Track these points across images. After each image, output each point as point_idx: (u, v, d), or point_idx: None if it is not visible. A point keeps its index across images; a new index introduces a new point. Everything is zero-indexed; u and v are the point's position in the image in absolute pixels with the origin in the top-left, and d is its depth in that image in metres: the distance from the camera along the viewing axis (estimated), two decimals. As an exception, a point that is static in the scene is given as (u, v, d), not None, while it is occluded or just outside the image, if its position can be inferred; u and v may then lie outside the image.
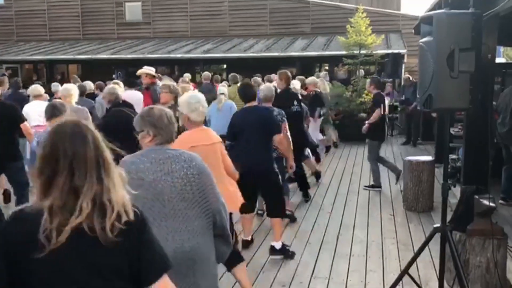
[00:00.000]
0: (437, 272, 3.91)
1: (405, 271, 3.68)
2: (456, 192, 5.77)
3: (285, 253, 4.88)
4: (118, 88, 5.52)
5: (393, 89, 13.97)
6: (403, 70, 15.38)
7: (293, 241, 5.33)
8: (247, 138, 4.75)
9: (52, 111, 4.25)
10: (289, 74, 6.99)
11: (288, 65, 17.48)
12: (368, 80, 8.95)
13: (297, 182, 7.03)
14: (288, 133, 5.59)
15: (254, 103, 5.01)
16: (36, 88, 7.11)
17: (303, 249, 5.09)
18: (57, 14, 21.57)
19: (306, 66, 16.80)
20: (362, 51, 12.77)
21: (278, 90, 6.74)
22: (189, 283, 2.42)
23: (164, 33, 20.64)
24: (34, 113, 6.23)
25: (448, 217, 3.67)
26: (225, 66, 19.57)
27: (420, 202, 6.36)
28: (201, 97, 3.61)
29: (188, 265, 2.40)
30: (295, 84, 7.73)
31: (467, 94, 3.17)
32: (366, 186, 7.62)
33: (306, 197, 6.95)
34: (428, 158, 6.89)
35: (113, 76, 18.86)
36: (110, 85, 5.88)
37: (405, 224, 5.89)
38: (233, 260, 3.74)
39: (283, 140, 4.96)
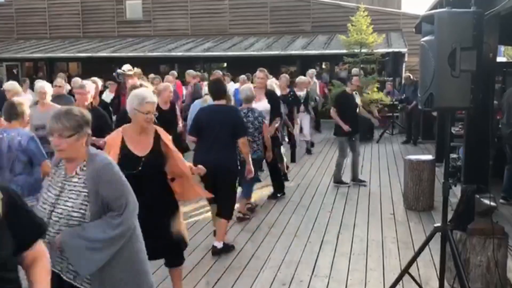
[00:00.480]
0: (438, 271, 3.90)
1: (405, 270, 3.68)
2: (456, 191, 5.78)
3: (227, 249, 4.96)
4: (91, 85, 5.58)
5: (393, 88, 13.96)
6: (403, 69, 15.37)
7: (293, 240, 5.33)
8: (212, 136, 4.74)
9: (10, 113, 4.30)
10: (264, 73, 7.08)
11: (288, 63, 17.53)
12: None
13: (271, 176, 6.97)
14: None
15: (223, 101, 4.99)
16: (13, 85, 7.05)
17: (303, 248, 5.09)
18: (57, 12, 21.55)
19: (307, 64, 16.75)
20: (363, 50, 12.77)
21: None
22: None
23: (164, 31, 20.61)
24: None
25: (449, 217, 3.66)
26: (225, 64, 19.54)
27: (420, 201, 6.36)
28: (145, 94, 3.57)
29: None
30: (272, 83, 7.96)
31: (468, 93, 3.16)
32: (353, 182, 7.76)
33: (279, 193, 6.91)
34: (429, 157, 6.89)
35: (113, 74, 18.82)
36: (84, 82, 5.93)
37: (406, 223, 5.89)
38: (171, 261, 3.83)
39: (246, 144, 4.95)
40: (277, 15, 19.55)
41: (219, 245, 4.91)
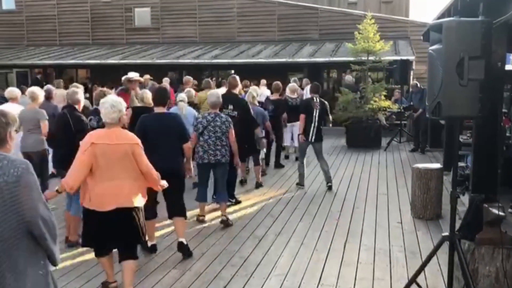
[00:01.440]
0: (445, 281, 3.88)
1: (413, 280, 3.65)
2: (464, 200, 5.74)
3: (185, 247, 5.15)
4: (78, 92, 5.77)
5: (401, 96, 13.93)
6: (411, 77, 15.34)
7: (300, 248, 5.32)
8: (157, 142, 4.94)
9: None
10: (236, 80, 7.39)
11: (296, 71, 17.56)
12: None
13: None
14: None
15: (163, 109, 5.26)
16: (12, 91, 7.34)
17: (310, 256, 5.07)
18: (67, 19, 21.78)
19: (314, 72, 16.79)
20: (370, 58, 12.77)
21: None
22: None
23: (172, 38, 20.75)
24: None
25: (457, 226, 3.64)
26: (233, 71, 19.58)
27: (428, 210, 6.32)
28: (113, 101, 3.98)
29: None
30: (252, 90, 8.46)
31: (476, 102, 3.16)
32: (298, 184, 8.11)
33: (231, 199, 7.02)
34: (437, 165, 6.85)
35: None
36: (69, 90, 6.14)
37: (413, 232, 5.86)
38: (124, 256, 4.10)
39: (189, 148, 5.31)
40: (284, 23, 19.62)
41: (185, 241, 5.14)
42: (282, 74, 16.04)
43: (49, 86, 8.55)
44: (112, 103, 3.96)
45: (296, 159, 9.98)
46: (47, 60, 19.16)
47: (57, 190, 3.90)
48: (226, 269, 4.75)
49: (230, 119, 6.15)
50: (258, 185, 8.09)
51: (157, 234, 5.62)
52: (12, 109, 6.45)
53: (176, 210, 5.15)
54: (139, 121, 5.15)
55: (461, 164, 7.39)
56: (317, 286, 4.38)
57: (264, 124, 8.31)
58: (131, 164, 3.93)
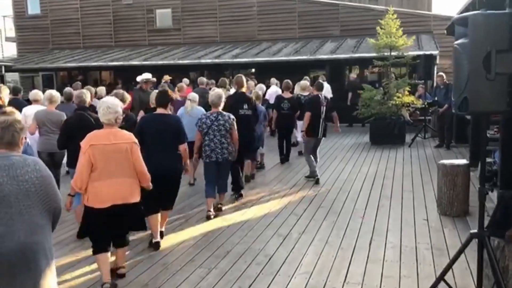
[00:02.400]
0: (474, 279, 3.81)
1: (441, 278, 3.60)
2: (492, 197, 5.62)
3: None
4: (86, 93, 6.02)
5: (425, 91, 13.72)
6: (435, 72, 15.09)
7: (324, 246, 5.30)
8: (153, 142, 5.17)
9: None
10: (242, 79, 7.62)
11: (317, 68, 17.48)
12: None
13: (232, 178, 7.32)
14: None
15: (164, 110, 5.39)
16: (36, 93, 7.61)
17: (335, 254, 5.05)
18: (90, 22, 22.15)
19: (336, 69, 16.69)
20: (393, 53, 12.61)
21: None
22: (27, 277, 2.58)
23: (193, 38, 20.89)
24: (31, 115, 6.74)
25: (485, 223, 3.57)
26: (253, 70, 19.64)
27: (455, 207, 6.22)
28: (110, 102, 4.22)
29: (25, 261, 2.55)
30: (258, 89, 8.44)
31: (504, 97, 3.09)
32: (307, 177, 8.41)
33: (237, 193, 7.28)
34: (463, 161, 6.73)
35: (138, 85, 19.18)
36: (79, 91, 6.41)
37: (440, 229, 5.77)
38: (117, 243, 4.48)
39: (186, 150, 5.40)
40: (305, 20, 19.54)
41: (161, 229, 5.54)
42: (303, 71, 15.97)
43: (69, 88, 8.79)
44: (108, 104, 4.19)
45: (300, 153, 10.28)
46: (71, 63, 19.52)
47: (69, 194, 4.26)
48: (251, 267, 4.77)
49: (232, 118, 6.31)
50: (249, 178, 8.34)
51: (181, 233, 5.70)
52: (35, 110, 6.78)
53: (166, 205, 5.51)
54: (138, 122, 5.59)
55: (488, 159, 7.23)
56: (343, 284, 4.36)
57: (267, 122, 8.97)
58: (128, 163, 4.18)
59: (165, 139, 5.23)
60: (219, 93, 6.47)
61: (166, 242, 5.43)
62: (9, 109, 2.87)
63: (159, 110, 5.41)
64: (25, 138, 2.93)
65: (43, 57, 21.26)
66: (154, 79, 9.75)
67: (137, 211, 4.38)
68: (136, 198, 4.31)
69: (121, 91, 6.24)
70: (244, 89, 7.65)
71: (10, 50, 26.40)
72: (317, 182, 8.14)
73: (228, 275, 4.59)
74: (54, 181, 2.76)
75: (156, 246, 5.26)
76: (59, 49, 22.40)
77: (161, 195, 5.17)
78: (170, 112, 5.54)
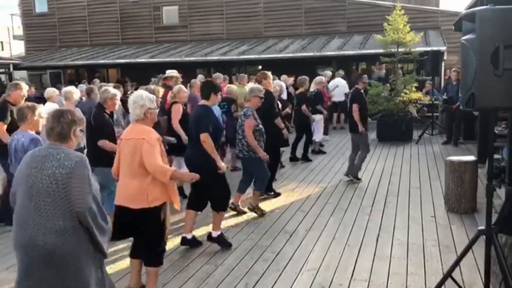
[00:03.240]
0: (482, 276, 3.80)
1: (448, 274, 3.59)
2: (500, 193, 5.59)
3: (222, 242, 5.20)
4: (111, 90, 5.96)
5: (432, 88, 13.63)
6: (443, 68, 14.99)
7: (331, 243, 5.30)
8: (189, 136, 5.27)
9: (17, 117, 4.82)
10: (267, 74, 7.48)
11: (324, 64, 17.43)
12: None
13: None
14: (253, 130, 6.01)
15: (204, 101, 5.18)
16: (50, 90, 7.67)
17: (342, 251, 5.05)
18: (97, 20, 22.23)
19: (343, 65, 16.62)
20: (400, 49, 12.54)
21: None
22: (40, 277, 2.54)
23: (200, 36, 20.91)
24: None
25: (493, 219, 3.55)
26: (260, 67, 19.61)
27: (462, 204, 6.19)
28: (135, 97, 3.96)
29: (43, 261, 2.49)
30: (276, 84, 8.48)
31: (512, 93, 3.06)
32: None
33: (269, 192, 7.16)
34: (471, 158, 6.69)
35: (151, 79, 19.26)
36: (104, 88, 6.39)
37: (447, 226, 5.75)
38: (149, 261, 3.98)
39: (205, 139, 4.89)
40: (311, 16, 19.48)
41: (215, 234, 5.22)
42: (310, 68, 15.94)
43: (89, 85, 8.88)
44: (134, 98, 3.97)
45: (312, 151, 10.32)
46: (79, 61, 19.63)
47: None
48: (258, 264, 4.78)
49: (245, 113, 6.10)
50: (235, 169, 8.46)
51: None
52: (51, 108, 6.77)
53: (212, 205, 5.20)
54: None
55: (496, 156, 7.18)
56: (350, 280, 4.36)
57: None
58: (134, 162, 3.78)
59: (192, 132, 5.11)
60: (233, 88, 6.55)
61: (172, 239, 5.45)
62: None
63: (201, 102, 5.25)
64: (81, 130, 2.87)
65: (51, 55, 21.38)
66: (178, 75, 9.27)
67: (146, 221, 3.81)
68: (141, 203, 3.76)
69: (152, 86, 6.29)
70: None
71: (18, 48, 26.61)
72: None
73: (235, 271, 4.61)
74: (85, 184, 2.58)
75: (183, 241, 5.23)
76: (67, 47, 22.51)
77: (197, 192, 5.12)
78: (206, 103, 5.13)
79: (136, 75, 18.16)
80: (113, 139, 5.37)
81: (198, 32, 21.01)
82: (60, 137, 2.73)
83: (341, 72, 14.91)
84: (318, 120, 10.27)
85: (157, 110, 4.14)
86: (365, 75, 8.85)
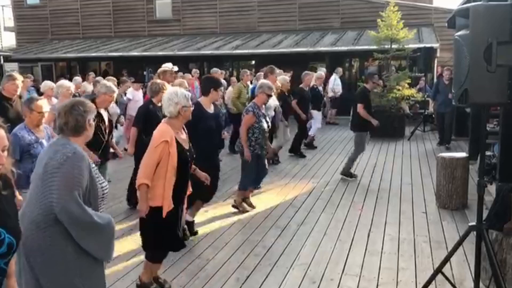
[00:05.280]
0: (472, 272, 3.82)
1: (438, 270, 3.61)
2: (491, 190, 5.62)
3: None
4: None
5: (425, 84, 13.67)
6: (435, 65, 15.04)
7: (323, 238, 5.31)
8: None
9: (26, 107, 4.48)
10: (274, 69, 7.76)
11: (317, 60, 17.42)
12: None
13: None
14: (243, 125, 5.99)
15: (203, 97, 5.29)
16: (47, 84, 7.37)
17: (333, 246, 5.05)
18: (89, 13, 22.03)
19: (336, 61, 16.63)
20: (393, 46, 12.56)
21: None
22: (20, 263, 2.53)
23: (193, 30, 20.79)
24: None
25: (483, 215, 3.57)
26: (253, 62, 19.57)
27: (453, 200, 6.23)
28: (169, 94, 3.87)
29: (21, 247, 2.44)
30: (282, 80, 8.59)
31: (505, 89, 3.07)
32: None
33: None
34: (462, 154, 6.73)
35: (144, 73, 19.17)
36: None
37: (438, 222, 5.78)
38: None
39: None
40: (305, 12, 19.44)
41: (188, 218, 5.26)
42: (303, 63, 15.90)
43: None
44: (168, 95, 3.85)
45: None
46: (70, 53, 19.45)
47: None
48: (250, 258, 4.77)
49: (250, 108, 6.07)
50: None
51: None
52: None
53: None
54: None
55: (487, 153, 7.22)
56: (341, 275, 4.37)
57: None
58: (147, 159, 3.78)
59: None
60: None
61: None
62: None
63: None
64: (93, 120, 2.83)
65: (42, 47, 21.18)
66: (172, 70, 8.97)
67: (149, 218, 3.77)
68: (151, 200, 3.73)
69: (158, 80, 6.21)
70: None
71: (9, 40, 26.30)
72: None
73: (226, 265, 4.60)
74: (67, 181, 2.53)
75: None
76: (58, 39, 22.30)
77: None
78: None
79: (129, 68, 18.07)
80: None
81: (191, 26, 20.90)
82: (75, 131, 2.71)
83: (340, 69, 14.96)
84: (316, 116, 10.25)
85: (192, 108, 4.01)
86: (376, 75, 8.55)
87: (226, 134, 6.10)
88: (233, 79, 13.08)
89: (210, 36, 19.99)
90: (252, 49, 17.20)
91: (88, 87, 11.74)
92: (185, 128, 4.08)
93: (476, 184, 3.48)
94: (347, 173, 7.92)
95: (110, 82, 6.13)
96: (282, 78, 8.81)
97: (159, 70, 8.91)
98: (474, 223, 3.47)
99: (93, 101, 5.36)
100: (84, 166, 2.62)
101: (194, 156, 4.10)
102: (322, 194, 7.03)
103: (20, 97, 5.89)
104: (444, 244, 5.03)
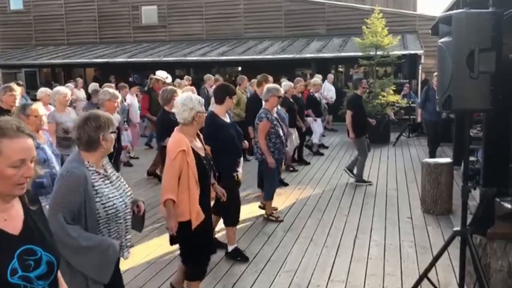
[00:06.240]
0: (457, 276, 3.84)
1: (424, 275, 3.62)
2: (475, 195, 5.68)
3: (238, 255, 4.94)
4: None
5: (410, 91, 13.81)
6: (420, 71, 15.21)
7: (309, 244, 5.30)
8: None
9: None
10: (267, 77, 7.72)
11: (303, 66, 17.51)
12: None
13: None
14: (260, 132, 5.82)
15: (217, 106, 4.90)
16: (42, 91, 7.20)
17: (319, 252, 5.05)
18: (74, 19, 21.88)
19: (322, 67, 16.73)
20: (378, 52, 12.68)
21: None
22: None
23: (179, 36, 20.77)
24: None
25: (468, 220, 3.60)
26: (240, 68, 19.59)
27: (438, 205, 6.27)
28: (183, 99, 3.71)
29: None
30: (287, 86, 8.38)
31: (487, 95, 3.12)
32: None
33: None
34: (447, 160, 6.80)
35: (130, 79, 19.08)
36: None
37: (423, 227, 5.81)
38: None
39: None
40: (291, 19, 19.55)
41: (229, 248, 4.99)
42: (289, 70, 15.98)
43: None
44: (182, 101, 3.67)
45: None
46: (55, 60, 19.25)
47: None
48: (236, 265, 4.75)
49: (262, 115, 5.89)
50: None
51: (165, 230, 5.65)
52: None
53: (223, 217, 5.04)
54: None
55: (471, 158, 7.31)
56: (327, 282, 4.36)
57: None
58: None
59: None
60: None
61: (151, 242, 5.38)
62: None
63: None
64: (113, 132, 2.76)
65: (26, 53, 20.94)
66: (165, 80, 8.78)
67: (179, 234, 3.62)
68: (179, 216, 3.57)
69: (169, 87, 6.15)
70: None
71: (-8, 46, 25.98)
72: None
73: (213, 273, 4.56)
74: (54, 198, 2.57)
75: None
76: (43, 45, 22.09)
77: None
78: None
79: (114, 75, 17.97)
80: None
81: (178, 32, 20.87)
82: (88, 146, 2.66)
83: (331, 76, 15.04)
84: (312, 122, 10.23)
85: (206, 114, 3.89)
86: (365, 80, 8.59)
87: (247, 143, 5.84)
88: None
89: (197, 42, 19.98)
90: (239, 56, 17.22)
91: (78, 93, 11.69)
92: (200, 134, 3.88)
93: (460, 189, 3.51)
94: (360, 180, 7.92)
95: (111, 89, 6.00)
96: (286, 84, 8.77)
97: (152, 77, 8.94)
98: (458, 228, 3.50)
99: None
100: (75, 186, 2.53)
101: (214, 167, 3.92)
102: (309, 200, 7.03)
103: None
104: (430, 249, 5.06)
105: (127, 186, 2.88)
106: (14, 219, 1.72)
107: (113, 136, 2.75)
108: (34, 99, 7.20)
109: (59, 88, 6.44)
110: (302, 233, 5.67)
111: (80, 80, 12.37)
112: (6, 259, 1.62)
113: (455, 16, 3.14)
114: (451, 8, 6.21)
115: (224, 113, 4.86)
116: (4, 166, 1.65)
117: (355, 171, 8.04)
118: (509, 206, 3.74)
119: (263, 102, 6.12)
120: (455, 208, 6.25)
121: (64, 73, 20.30)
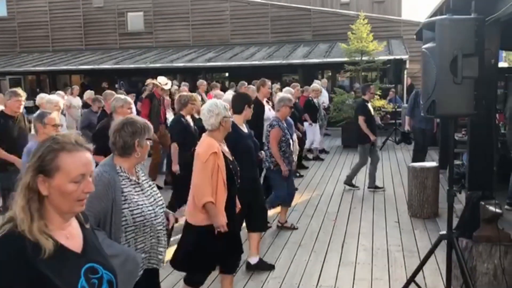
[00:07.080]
0: (444, 280, 3.87)
1: (411, 279, 3.64)
2: (461, 198, 5.74)
3: (263, 267, 4.80)
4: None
5: (395, 95, 13.93)
6: (405, 76, 15.37)
7: (297, 250, 5.30)
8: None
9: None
10: (265, 81, 7.37)
11: (290, 72, 17.59)
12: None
13: None
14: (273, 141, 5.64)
15: (236, 116, 4.71)
16: (41, 97, 7.46)
17: (308, 258, 5.05)
18: (59, 25, 21.73)
19: (308, 73, 16.83)
20: (364, 58, 12.78)
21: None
22: None
23: (166, 42, 20.74)
24: None
25: (454, 224, 3.63)
26: (227, 74, 19.62)
27: (425, 209, 6.32)
28: (210, 105, 3.70)
29: None
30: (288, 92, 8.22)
31: (471, 100, 3.16)
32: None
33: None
34: (433, 164, 6.86)
35: (116, 86, 18.96)
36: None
37: (411, 231, 5.85)
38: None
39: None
40: (278, 25, 19.65)
41: (254, 260, 4.84)
42: (276, 76, 16.03)
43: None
44: (208, 107, 3.67)
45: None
46: (40, 67, 19.10)
47: None
48: (224, 272, 4.71)
49: (274, 122, 5.77)
50: None
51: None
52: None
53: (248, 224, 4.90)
54: None
55: (457, 162, 7.39)
56: (316, 287, 4.36)
57: None
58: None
59: None
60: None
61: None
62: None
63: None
64: (148, 139, 2.70)
65: (10, 61, 20.73)
66: (163, 86, 8.62)
67: (183, 231, 3.66)
68: (190, 219, 3.60)
69: (185, 93, 6.12)
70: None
71: (-24, 53, 25.67)
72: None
73: (201, 280, 4.53)
74: (89, 199, 2.55)
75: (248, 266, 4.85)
76: (27, 52, 21.89)
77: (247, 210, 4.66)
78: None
79: (100, 81, 17.84)
80: None
81: (164, 38, 20.84)
82: (123, 151, 2.62)
83: (324, 80, 15.09)
84: (307, 127, 10.18)
85: (231, 119, 3.86)
86: (373, 86, 8.46)
87: (264, 154, 5.70)
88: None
89: (183, 48, 19.97)
90: (225, 62, 17.25)
91: (73, 100, 11.53)
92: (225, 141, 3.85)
93: (446, 193, 3.54)
94: (349, 183, 7.94)
95: (122, 95, 5.91)
96: (288, 89, 8.77)
97: (151, 82, 8.81)
98: (444, 232, 3.53)
99: (109, 119, 5.12)
100: (102, 190, 2.47)
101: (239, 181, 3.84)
102: (296, 206, 7.03)
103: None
104: (417, 253, 5.08)
105: (160, 196, 2.80)
106: (75, 237, 1.66)
107: (149, 143, 2.70)
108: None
109: (50, 97, 6.46)
110: (290, 238, 5.66)
111: (76, 88, 12.21)
112: (75, 277, 1.56)
113: (438, 22, 3.18)
114: (434, 14, 6.29)
115: (243, 122, 4.73)
116: (65, 182, 1.58)
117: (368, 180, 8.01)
118: (493, 209, 3.78)
119: (264, 104, 6.07)
120: (441, 212, 6.30)
121: (49, 80, 20.13)
